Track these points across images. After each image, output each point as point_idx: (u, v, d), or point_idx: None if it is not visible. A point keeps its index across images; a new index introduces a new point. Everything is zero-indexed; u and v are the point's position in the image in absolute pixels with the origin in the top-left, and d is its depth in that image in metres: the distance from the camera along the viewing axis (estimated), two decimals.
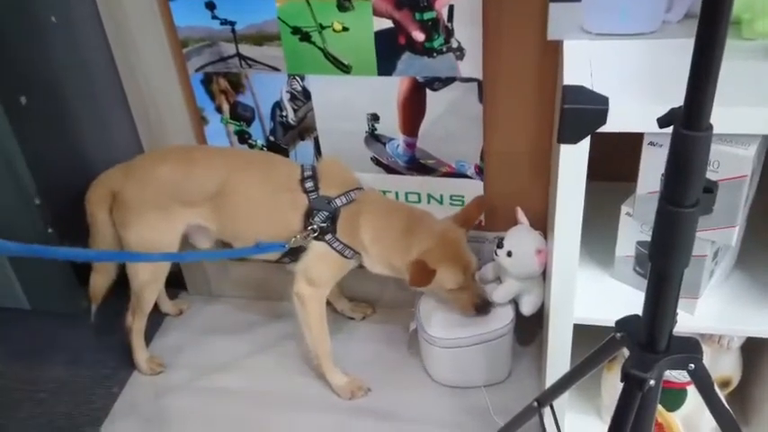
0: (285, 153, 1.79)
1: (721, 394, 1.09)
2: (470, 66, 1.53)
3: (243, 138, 1.80)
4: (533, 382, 1.77)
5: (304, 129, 1.74)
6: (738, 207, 1.12)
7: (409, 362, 1.87)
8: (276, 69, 1.65)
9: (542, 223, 1.67)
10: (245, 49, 1.63)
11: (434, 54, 1.53)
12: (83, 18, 1.68)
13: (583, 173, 1.10)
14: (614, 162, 1.30)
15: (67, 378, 1.92)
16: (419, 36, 1.51)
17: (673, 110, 0.79)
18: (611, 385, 1.48)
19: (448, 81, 1.57)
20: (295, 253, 1.63)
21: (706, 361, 1.02)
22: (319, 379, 1.81)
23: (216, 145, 1.82)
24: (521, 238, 1.62)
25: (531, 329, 1.86)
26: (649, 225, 1.00)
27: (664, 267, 0.89)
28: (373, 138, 1.71)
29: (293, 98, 1.69)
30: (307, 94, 1.68)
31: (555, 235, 1.20)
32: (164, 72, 1.70)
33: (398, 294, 1.95)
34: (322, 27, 1.55)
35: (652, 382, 0.96)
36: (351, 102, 1.65)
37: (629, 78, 1.13)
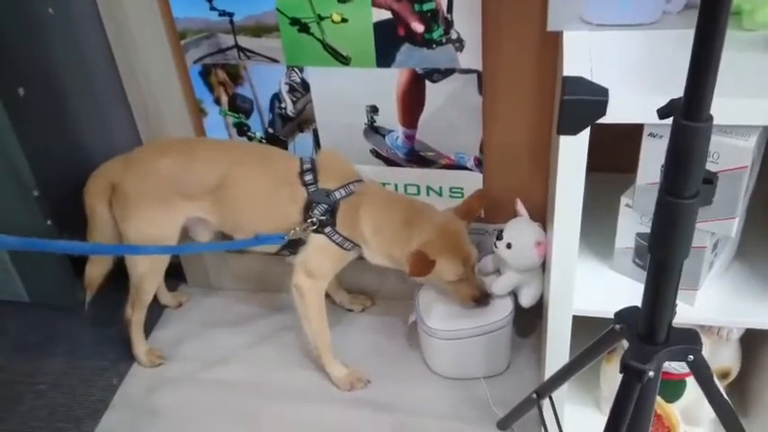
0: (284, 145, 1.78)
1: (720, 386, 1.09)
2: (470, 57, 1.52)
3: (241, 130, 1.79)
4: (532, 373, 1.77)
5: (303, 121, 1.74)
6: (738, 198, 1.12)
7: (408, 354, 1.87)
8: (275, 61, 1.64)
9: (542, 215, 1.67)
10: (244, 41, 1.63)
11: (434, 45, 1.53)
12: (81, 10, 1.67)
13: (582, 164, 1.10)
14: (614, 153, 1.29)
15: (67, 370, 1.92)
16: (418, 27, 1.51)
17: (673, 101, 0.79)
18: (611, 377, 1.48)
19: (447, 73, 1.56)
20: (294, 245, 1.63)
21: (705, 352, 1.02)
22: (319, 371, 1.81)
23: (215, 137, 1.81)
24: (520, 230, 1.62)
25: (530, 321, 1.86)
26: (649, 216, 1.00)
27: (663, 259, 0.90)
28: (372, 130, 1.71)
29: (292, 90, 1.69)
30: (306, 86, 1.67)
31: (554, 226, 1.20)
32: (162, 64, 1.69)
33: (398, 286, 1.95)
34: (321, 18, 1.54)
35: (651, 374, 0.97)
36: (350, 93, 1.65)
37: (629, 69, 1.13)
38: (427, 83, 1.59)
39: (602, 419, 1.05)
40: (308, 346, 1.79)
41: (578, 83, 0.92)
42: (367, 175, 1.68)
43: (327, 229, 1.58)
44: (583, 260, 1.35)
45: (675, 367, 1.36)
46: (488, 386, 1.75)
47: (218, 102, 1.76)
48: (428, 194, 1.78)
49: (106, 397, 1.83)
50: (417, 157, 1.72)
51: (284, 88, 1.69)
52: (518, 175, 1.70)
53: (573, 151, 1.10)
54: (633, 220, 1.28)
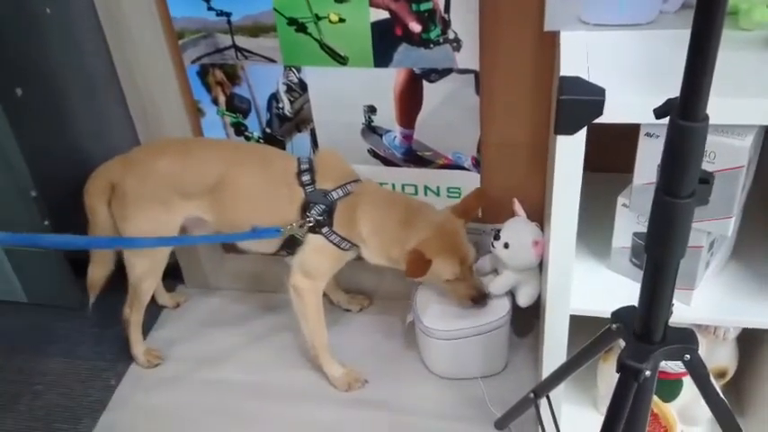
0: (282, 145, 1.78)
1: (717, 385, 1.09)
2: (467, 57, 1.52)
3: (239, 130, 1.79)
4: (530, 373, 1.77)
5: (301, 120, 1.74)
6: (735, 198, 1.12)
7: (406, 353, 1.87)
8: (272, 61, 1.64)
9: (539, 215, 1.67)
10: (241, 41, 1.63)
11: (431, 45, 1.53)
12: (78, 9, 1.67)
13: (579, 164, 1.10)
14: (611, 153, 1.30)
15: (65, 370, 1.92)
16: (416, 27, 1.51)
17: (669, 100, 0.79)
18: (608, 376, 1.48)
19: (445, 72, 1.56)
20: (292, 246, 1.63)
21: (702, 352, 1.03)
22: (316, 371, 1.81)
23: (213, 137, 1.81)
24: (518, 230, 1.62)
25: (527, 321, 1.87)
26: (646, 216, 1.00)
27: (660, 258, 0.90)
28: (370, 129, 1.71)
29: (290, 90, 1.69)
30: (303, 86, 1.67)
31: (551, 226, 1.20)
32: (160, 64, 1.69)
33: (395, 286, 1.95)
34: (318, 18, 1.54)
35: (648, 373, 0.97)
36: (347, 93, 1.65)
37: (626, 69, 1.13)
38: (425, 83, 1.59)
39: (599, 419, 1.05)
40: (306, 346, 1.79)
41: (575, 83, 0.92)
42: (365, 174, 1.68)
43: (325, 230, 1.58)
44: (580, 260, 1.35)
45: (672, 367, 1.37)
46: (486, 386, 1.75)
47: (215, 102, 1.76)
48: (426, 194, 1.78)
49: (104, 397, 1.83)
50: (415, 157, 1.72)
51: (282, 88, 1.69)
52: (515, 174, 1.70)
53: (570, 151, 1.10)
54: (630, 220, 1.28)
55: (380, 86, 1.62)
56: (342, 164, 1.65)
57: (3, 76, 1.77)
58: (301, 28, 1.57)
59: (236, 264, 2.07)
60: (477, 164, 1.70)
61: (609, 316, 1.07)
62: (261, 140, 1.80)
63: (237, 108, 1.76)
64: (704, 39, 0.70)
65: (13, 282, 2.06)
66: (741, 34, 1.18)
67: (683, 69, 0.74)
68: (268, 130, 1.78)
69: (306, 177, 1.58)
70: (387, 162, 1.75)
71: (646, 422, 1.05)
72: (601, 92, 0.88)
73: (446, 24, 1.49)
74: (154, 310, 2.03)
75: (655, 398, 1.21)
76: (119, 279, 1.78)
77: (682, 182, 0.81)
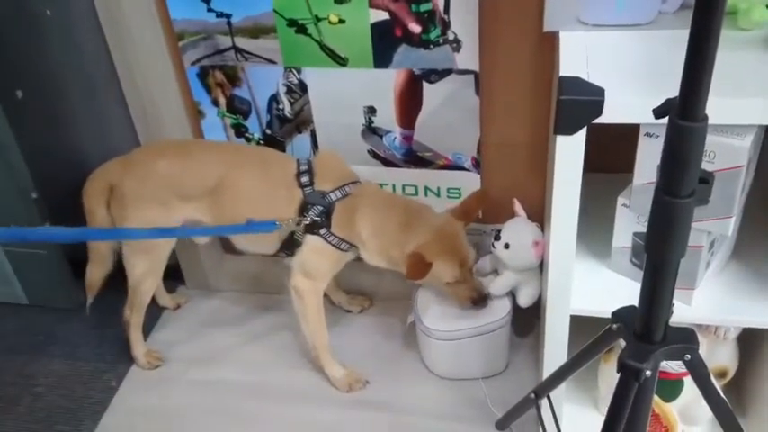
0: (282, 146, 1.78)
1: (717, 385, 1.09)
2: (467, 58, 1.53)
3: (239, 131, 1.80)
4: (531, 373, 1.77)
5: (301, 122, 1.74)
6: (734, 197, 1.12)
7: (407, 354, 1.87)
8: (272, 62, 1.64)
9: (539, 215, 1.67)
10: (241, 42, 1.63)
11: (431, 46, 1.53)
12: (78, 11, 1.67)
13: (579, 164, 1.10)
14: (610, 153, 1.30)
15: (66, 372, 1.92)
16: (415, 28, 1.51)
17: (668, 100, 0.79)
18: (608, 376, 1.48)
19: (444, 73, 1.56)
20: (291, 247, 1.63)
21: (702, 351, 1.03)
22: (317, 371, 1.81)
23: (212, 139, 1.81)
24: (518, 230, 1.62)
25: (528, 321, 1.86)
26: (646, 216, 1.00)
27: (660, 258, 0.90)
28: (370, 130, 1.71)
29: (290, 91, 1.69)
30: (303, 87, 1.67)
31: (552, 226, 1.20)
32: (160, 65, 1.69)
33: (396, 287, 1.95)
34: (318, 19, 1.54)
35: (648, 373, 0.97)
36: (347, 94, 1.65)
37: (626, 69, 1.13)
38: (424, 84, 1.59)
39: (599, 419, 1.05)
40: (307, 346, 1.79)
41: (575, 83, 0.92)
42: (364, 175, 1.68)
43: (323, 231, 1.58)
44: (580, 260, 1.35)
45: (673, 366, 1.37)
46: (487, 386, 1.75)
47: (215, 103, 1.76)
48: (426, 195, 1.78)
49: (105, 399, 1.83)
50: (415, 158, 1.73)
51: (282, 89, 1.69)
52: (515, 175, 1.70)
53: (570, 151, 1.10)
54: (630, 220, 1.28)
55: (380, 87, 1.62)
56: (341, 165, 1.65)
57: (3, 78, 1.77)
58: (301, 29, 1.57)
59: (237, 265, 2.07)
60: (477, 164, 1.70)
61: (609, 316, 1.07)
62: (261, 142, 1.80)
63: (238, 109, 1.76)
64: (703, 39, 0.70)
65: (13, 283, 2.06)
66: (740, 34, 1.18)
67: (683, 69, 0.74)
68: (268, 132, 1.78)
69: (305, 179, 1.58)
70: (387, 163, 1.75)
71: (646, 422, 1.05)
72: (600, 92, 0.88)
73: (446, 25, 1.49)
74: (154, 312, 2.03)
75: (655, 398, 1.21)
76: (119, 280, 1.78)
77: (681, 182, 0.81)
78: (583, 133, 1.06)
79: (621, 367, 0.98)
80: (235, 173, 1.60)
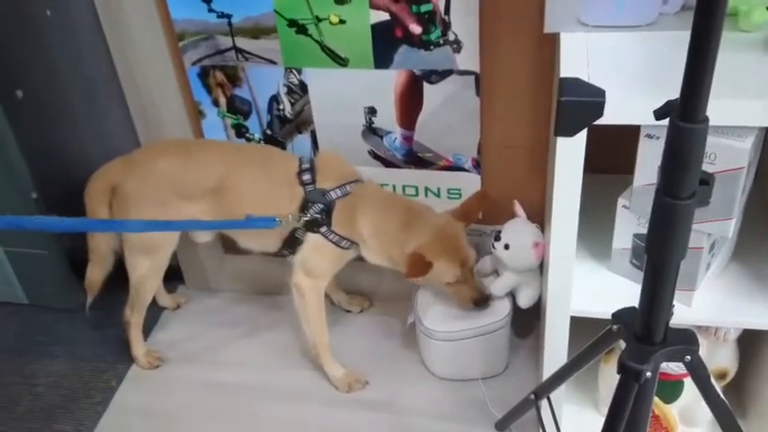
0: (282, 147, 1.78)
1: (718, 386, 1.09)
2: (467, 59, 1.53)
3: (240, 131, 1.80)
4: (531, 374, 1.77)
5: (301, 122, 1.74)
6: (735, 199, 1.12)
7: (407, 355, 1.87)
8: (273, 62, 1.64)
9: (539, 216, 1.67)
10: (242, 42, 1.63)
11: (431, 47, 1.53)
12: (79, 11, 1.67)
13: (579, 165, 1.10)
14: (611, 154, 1.30)
15: (66, 372, 1.92)
16: (416, 29, 1.51)
17: (669, 102, 0.79)
18: (608, 377, 1.48)
19: (445, 74, 1.56)
20: (293, 245, 1.63)
21: (702, 353, 1.02)
22: (317, 371, 1.81)
23: (213, 139, 1.81)
24: (518, 231, 1.62)
25: (528, 322, 1.87)
26: (646, 217, 1.00)
27: (660, 259, 0.90)
28: (370, 131, 1.71)
29: (290, 91, 1.69)
30: (304, 88, 1.67)
31: (552, 227, 1.20)
32: (160, 65, 1.70)
33: (396, 287, 1.95)
34: (318, 20, 1.54)
35: (648, 374, 0.97)
36: (348, 95, 1.65)
37: (626, 71, 1.13)
38: (425, 84, 1.59)
39: (599, 420, 1.05)
40: (307, 346, 1.79)
41: (575, 84, 0.92)
42: (365, 176, 1.68)
43: (323, 229, 1.58)
44: (580, 261, 1.35)
45: (673, 368, 1.37)
46: (486, 387, 1.75)
47: (216, 103, 1.76)
48: (426, 195, 1.78)
49: (105, 399, 1.83)
50: (415, 159, 1.73)
51: (282, 90, 1.69)
52: (516, 176, 1.70)
53: (570, 152, 1.10)
54: (630, 221, 1.28)
55: (381, 88, 1.62)
56: (343, 164, 1.65)
57: (3, 78, 1.77)
58: (302, 29, 1.57)
59: (237, 265, 2.07)
60: (477, 165, 1.70)
61: (609, 317, 1.07)
62: (261, 142, 1.80)
63: (238, 110, 1.76)
64: (704, 40, 0.70)
65: (13, 283, 2.06)
66: (741, 36, 1.18)
67: (683, 71, 0.74)
68: (269, 132, 1.78)
69: (306, 177, 1.58)
70: (387, 163, 1.75)
71: (647, 423, 1.05)
72: (601, 93, 0.88)
73: (446, 26, 1.49)
74: (154, 312, 2.03)
75: (656, 399, 1.21)
76: (119, 280, 1.79)
77: (682, 183, 0.81)
78: (583, 134, 1.06)
79: (622, 368, 0.98)
80: (236, 172, 1.61)
